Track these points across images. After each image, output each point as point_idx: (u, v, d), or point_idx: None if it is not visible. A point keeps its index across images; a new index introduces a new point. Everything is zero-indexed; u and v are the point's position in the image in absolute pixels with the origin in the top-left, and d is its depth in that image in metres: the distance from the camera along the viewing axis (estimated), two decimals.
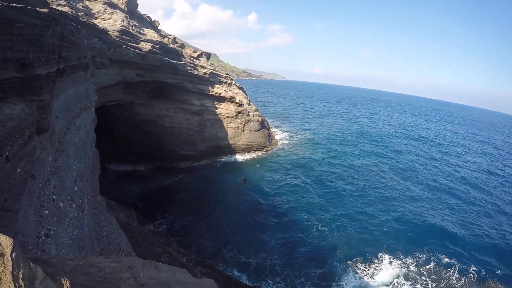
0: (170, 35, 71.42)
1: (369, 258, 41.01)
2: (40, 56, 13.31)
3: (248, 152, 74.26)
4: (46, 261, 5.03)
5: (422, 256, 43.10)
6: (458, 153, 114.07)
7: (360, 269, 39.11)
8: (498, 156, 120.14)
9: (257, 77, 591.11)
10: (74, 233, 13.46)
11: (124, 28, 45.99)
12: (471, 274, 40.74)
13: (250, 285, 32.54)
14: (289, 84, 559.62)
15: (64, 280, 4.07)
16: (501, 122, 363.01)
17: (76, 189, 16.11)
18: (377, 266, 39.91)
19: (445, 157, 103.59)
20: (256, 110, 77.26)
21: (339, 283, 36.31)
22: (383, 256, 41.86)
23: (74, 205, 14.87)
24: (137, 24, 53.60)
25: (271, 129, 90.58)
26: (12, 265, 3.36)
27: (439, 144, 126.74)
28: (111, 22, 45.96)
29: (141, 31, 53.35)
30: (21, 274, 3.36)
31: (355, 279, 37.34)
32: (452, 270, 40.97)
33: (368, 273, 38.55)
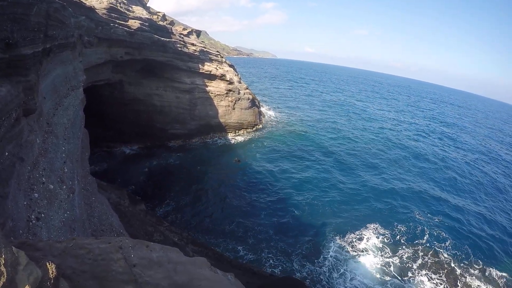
0: (159, 12, 70.13)
1: (356, 229, 42.83)
2: (25, 36, 12.97)
3: (238, 130, 74.25)
4: (33, 245, 5.00)
5: (409, 227, 44.90)
6: (449, 132, 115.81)
7: (348, 239, 40.77)
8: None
9: (248, 55, 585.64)
10: (65, 215, 13.43)
11: (111, 5, 45.02)
12: (455, 247, 42.11)
13: (242, 261, 33.09)
14: (280, 62, 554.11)
15: (49, 264, 4.02)
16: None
17: (66, 170, 15.99)
18: (363, 236, 41.67)
19: (436, 135, 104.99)
20: (247, 88, 76.84)
21: (328, 253, 37.89)
22: (370, 226, 43.79)
23: (64, 186, 14.79)
24: (125, 1, 52.45)
25: (261, 107, 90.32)
26: None
27: (430, 122, 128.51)
28: None
29: (130, 8, 52.27)
30: (2, 260, 3.28)
31: (344, 249, 38.98)
32: (435, 242, 42.18)
33: (354, 243, 40.22)
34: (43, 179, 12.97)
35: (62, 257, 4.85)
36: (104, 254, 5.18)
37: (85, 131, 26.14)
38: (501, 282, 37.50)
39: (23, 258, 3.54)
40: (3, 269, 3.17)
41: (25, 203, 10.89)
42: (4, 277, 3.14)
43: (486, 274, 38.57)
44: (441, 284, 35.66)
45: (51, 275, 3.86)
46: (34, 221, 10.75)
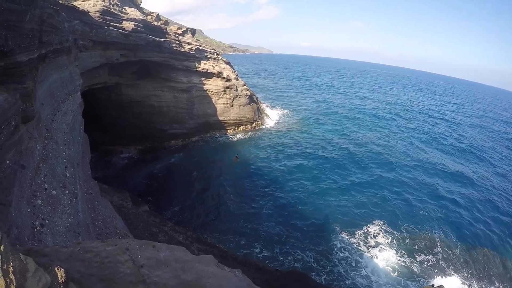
0: (153, 12, 70.01)
1: (362, 226, 42.17)
2: (20, 43, 12.94)
3: (238, 127, 74.36)
4: (39, 251, 5.00)
5: (421, 221, 44.71)
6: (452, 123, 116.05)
7: (357, 234, 40.42)
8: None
9: (244, 52, 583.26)
10: (69, 220, 13.44)
11: (105, 8, 44.88)
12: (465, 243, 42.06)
13: (247, 258, 33.14)
14: (276, 57, 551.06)
15: (58, 269, 4.02)
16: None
17: (67, 175, 16.01)
18: (371, 231, 41.30)
19: (440, 128, 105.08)
20: (244, 85, 76.68)
21: (339, 246, 37.84)
22: (376, 221, 43.26)
23: (67, 191, 14.81)
24: (118, 3, 52.29)
25: (260, 103, 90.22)
26: (1, 259, 3.29)
27: (431, 116, 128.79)
28: (91, 2, 44.75)
29: (123, 10, 52.13)
30: (11, 268, 3.29)
31: (353, 244, 38.76)
32: (444, 239, 42.20)
33: (364, 238, 39.94)
34: (46, 185, 12.99)
35: (69, 262, 4.86)
36: (111, 256, 5.18)
37: (84, 136, 26.17)
38: None
39: (31, 264, 3.53)
40: (12, 276, 3.18)
41: (28, 210, 10.91)
42: (13, 285, 3.14)
43: (494, 264, 38.75)
44: (455, 278, 35.63)
45: (60, 280, 3.86)
46: (38, 228, 10.76)
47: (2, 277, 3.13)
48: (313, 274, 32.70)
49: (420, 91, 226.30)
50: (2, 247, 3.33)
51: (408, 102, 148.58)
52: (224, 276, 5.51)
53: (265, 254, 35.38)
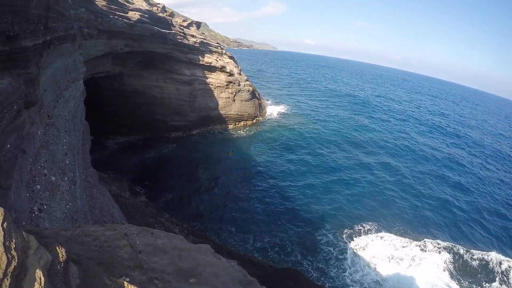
0: (159, 4, 69.83)
1: (355, 225, 42.38)
2: (26, 28, 12.93)
3: (238, 122, 74.33)
4: (39, 233, 5.06)
5: (411, 220, 45.11)
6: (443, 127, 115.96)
7: (347, 234, 40.47)
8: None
9: (248, 47, 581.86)
10: (67, 206, 13.51)
11: None
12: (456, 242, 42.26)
13: (241, 252, 33.28)
14: (280, 54, 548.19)
15: (59, 248, 4.08)
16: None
17: (67, 162, 16.06)
18: (362, 232, 41.35)
19: (437, 131, 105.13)
20: (247, 80, 76.65)
21: (328, 244, 38.07)
22: (368, 223, 43.24)
23: (66, 178, 14.86)
24: None
25: (262, 99, 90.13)
26: (4, 235, 3.33)
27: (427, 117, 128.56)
28: None
29: (129, 0, 52.14)
30: (13, 244, 3.35)
31: (342, 241, 39.01)
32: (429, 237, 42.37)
33: (353, 238, 39.93)
34: (45, 171, 13.04)
35: (68, 244, 4.91)
36: (110, 241, 5.25)
37: (85, 124, 26.20)
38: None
39: (33, 242, 3.59)
40: (14, 253, 3.23)
41: (27, 194, 10.96)
42: (15, 261, 3.20)
43: (485, 267, 38.92)
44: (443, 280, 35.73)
45: (61, 258, 3.93)
46: (36, 213, 10.83)
47: (4, 253, 3.19)
48: (303, 270, 32.89)
49: (421, 95, 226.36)
50: (5, 224, 3.39)
51: (409, 105, 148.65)
52: (220, 265, 5.58)
53: (256, 245, 35.74)
